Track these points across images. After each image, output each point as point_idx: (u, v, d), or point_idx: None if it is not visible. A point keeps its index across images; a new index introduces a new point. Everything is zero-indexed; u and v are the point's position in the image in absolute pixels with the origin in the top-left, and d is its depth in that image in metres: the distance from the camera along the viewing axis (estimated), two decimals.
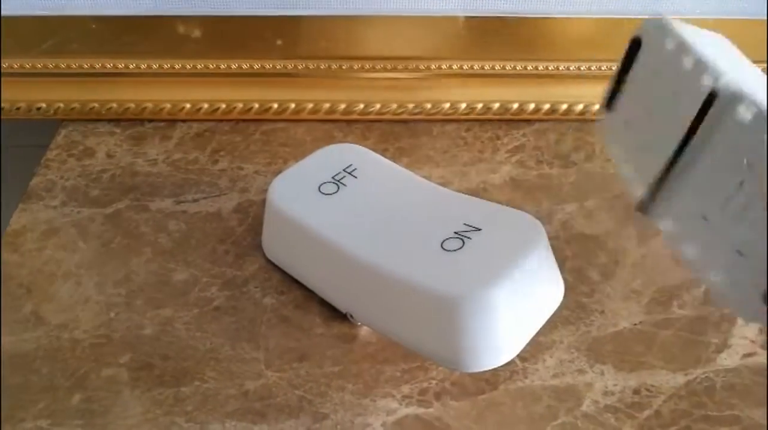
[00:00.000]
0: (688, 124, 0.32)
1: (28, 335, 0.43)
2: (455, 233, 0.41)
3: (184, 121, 0.59)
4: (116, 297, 0.46)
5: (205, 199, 0.53)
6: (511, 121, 0.60)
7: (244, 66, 0.59)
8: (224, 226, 0.50)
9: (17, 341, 0.43)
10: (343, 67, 0.59)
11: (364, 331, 0.43)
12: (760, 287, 0.30)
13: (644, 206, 0.34)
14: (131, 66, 0.58)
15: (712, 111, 0.31)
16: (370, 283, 0.41)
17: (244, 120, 0.59)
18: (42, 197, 0.52)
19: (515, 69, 0.59)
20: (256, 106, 0.59)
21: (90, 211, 0.51)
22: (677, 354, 0.42)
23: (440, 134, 0.59)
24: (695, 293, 0.45)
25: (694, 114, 0.31)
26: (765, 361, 0.42)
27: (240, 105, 0.59)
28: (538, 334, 0.41)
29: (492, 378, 0.41)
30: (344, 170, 0.46)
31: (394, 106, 0.59)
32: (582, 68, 0.59)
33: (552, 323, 0.43)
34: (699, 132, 0.31)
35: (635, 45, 0.37)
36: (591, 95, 0.59)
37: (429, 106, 0.59)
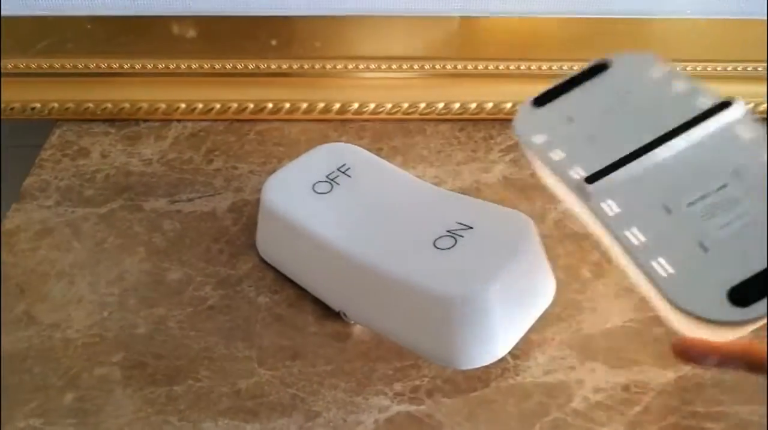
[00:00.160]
0: (670, 129, 0.36)
1: (21, 334, 0.44)
2: (448, 231, 0.41)
3: (179, 121, 0.59)
4: (109, 296, 0.46)
5: (200, 198, 0.53)
6: (504, 120, 0.60)
7: (239, 66, 0.59)
8: (218, 225, 0.51)
9: (10, 340, 0.43)
10: (338, 67, 0.59)
11: (357, 329, 0.44)
12: (725, 284, 0.31)
13: (583, 186, 0.36)
14: (126, 66, 0.58)
15: (707, 124, 0.36)
16: (363, 281, 0.41)
17: (238, 120, 0.60)
18: (36, 197, 0.53)
19: (508, 69, 0.59)
20: (251, 106, 0.59)
21: (84, 211, 0.52)
22: (667, 351, 0.42)
23: (434, 134, 0.59)
24: None
25: (681, 123, 0.36)
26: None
27: (235, 105, 0.59)
28: (530, 331, 0.42)
29: (484, 375, 0.41)
30: (338, 169, 0.46)
31: (389, 105, 0.60)
32: (575, 68, 0.59)
33: (544, 321, 0.43)
34: (684, 137, 0.36)
35: (600, 66, 0.42)
36: None
37: (423, 105, 0.60)
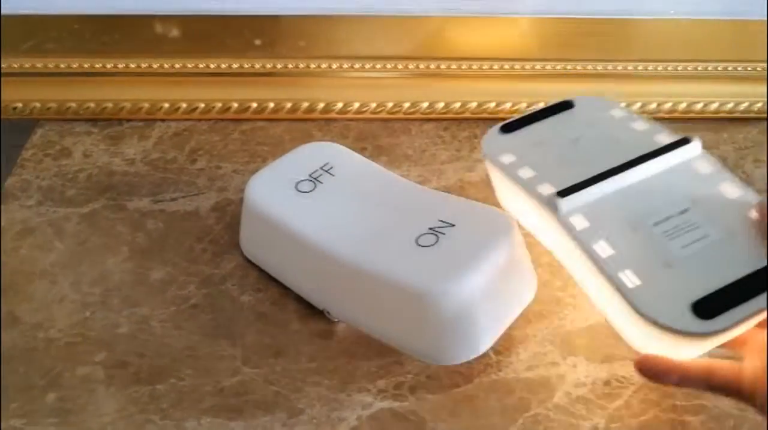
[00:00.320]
0: (633, 158, 0.40)
1: (4, 334, 0.43)
2: (430, 229, 0.41)
3: (162, 120, 0.59)
4: (92, 296, 0.46)
5: (183, 198, 0.53)
6: (488, 120, 0.60)
7: (223, 66, 0.59)
8: (202, 224, 0.51)
9: None
10: (322, 67, 0.59)
11: (340, 327, 0.44)
12: (689, 298, 0.34)
13: (554, 200, 0.38)
14: (109, 65, 0.58)
15: (667, 157, 0.40)
16: (346, 279, 0.41)
17: (222, 119, 0.60)
18: (17, 197, 0.52)
19: (492, 68, 0.60)
20: (235, 105, 0.59)
21: (66, 210, 0.51)
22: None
23: (418, 133, 0.59)
24: None
25: (644, 154, 0.40)
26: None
27: (219, 104, 0.59)
28: (512, 328, 0.42)
29: (467, 372, 0.41)
30: (321, 168, 0.47)
31: (373, 105, 0.60)
32: (558, 67, 0.60)
33: (527, 317, 0.43)
34: (646, 167, 0.40)
35: (565, 104, 0.47)
36: (567, 93, 0.60)
37: (407, 105, 0.60)
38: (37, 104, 0.59)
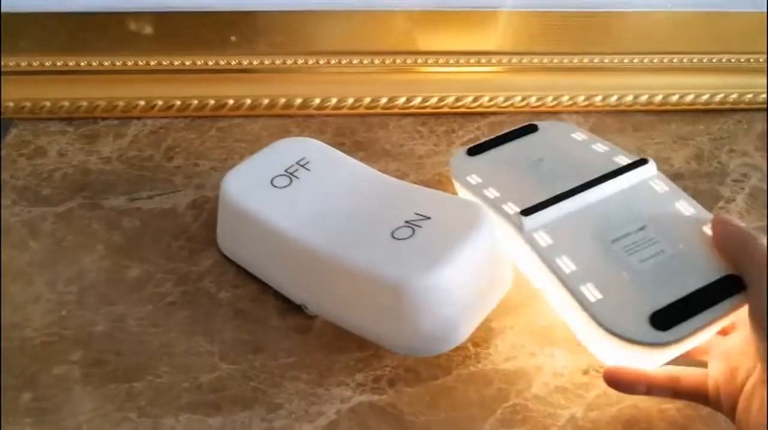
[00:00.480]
0: (593, 178, 0.42)
1: None
2: (406, 221, 0.41)
3: (138, 118, 0.59)
4: (68, 295, 0.45)
5: (160, 196, 0.52)
6: (466, 114, 0.61)
7: (199, 62, 0.59)
8: (179, 222, 0.50)
9: None
10: (299, 63, 0.59)
11: (318, 322, 0.44)
12: (647, 310, 0.35)
13: (518, 219, 0.40)
14: (83, 64, 0.58)
15: (626, 177, 0.42)
16: (323, 273, 0.41)
17: (199, 117, 0.59)
18: None
19: (469, 62, 0.60)
20: (212, 102, 0.59)
21: (41, 210, 0.51)
22: None
23: (396, 128, 0.59)
24: None
25: (603, 174, 0.43)
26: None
27: (195, 102, 0.59)
28: (490, 319, 0.42)
29: (445, 364, 0.41)
30: (297, 163, 0.46)
31: (350, 100, 0.60)
32: (534, 61, 0.60)
33: (504, 309, 0.43)
34: (606, 186, 0.42)
35: (529, 128, 0.50)
36: (546, 87, 0.60)
37: (385, 100, 0.60)
38: (11, 104, 0.58)
